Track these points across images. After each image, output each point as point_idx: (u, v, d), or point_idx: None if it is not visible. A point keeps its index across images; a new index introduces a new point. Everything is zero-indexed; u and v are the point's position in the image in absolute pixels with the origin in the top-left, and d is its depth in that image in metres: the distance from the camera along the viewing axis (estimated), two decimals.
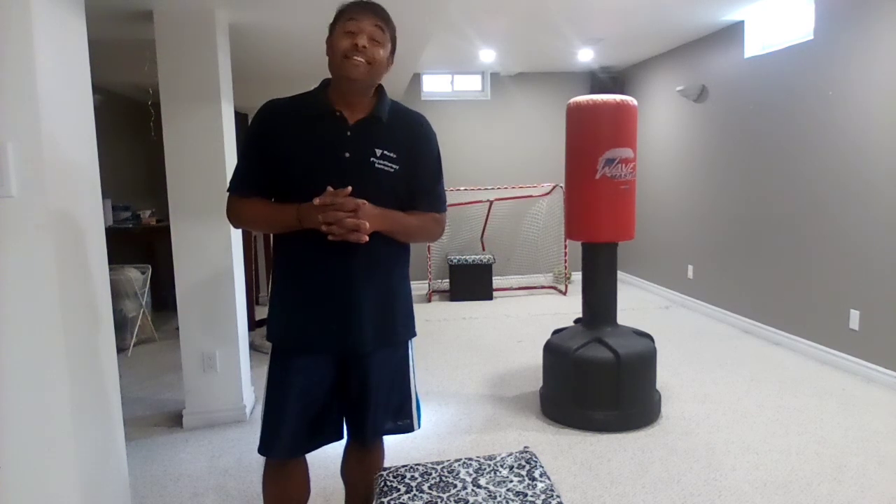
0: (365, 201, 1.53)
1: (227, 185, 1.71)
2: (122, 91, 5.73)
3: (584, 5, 4.35)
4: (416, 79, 6.82)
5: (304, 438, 1.72)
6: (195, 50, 3.12)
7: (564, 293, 6.65)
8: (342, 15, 1.60)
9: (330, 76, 1.66)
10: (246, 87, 4.75)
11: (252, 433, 3.16)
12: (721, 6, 4.50)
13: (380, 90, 1.69)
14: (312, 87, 1.71)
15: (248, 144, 1.70)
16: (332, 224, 1.50)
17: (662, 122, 6.24)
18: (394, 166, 1.64)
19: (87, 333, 1.71)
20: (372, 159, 1.61)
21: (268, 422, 1.71)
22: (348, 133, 1.62)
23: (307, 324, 1.67)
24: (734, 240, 5.09)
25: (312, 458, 1.82)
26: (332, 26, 1.62)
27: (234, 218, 1.72)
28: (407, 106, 1.77)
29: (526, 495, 1.61)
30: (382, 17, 1.61)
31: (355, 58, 1.55)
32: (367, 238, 1.53)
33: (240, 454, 2.97)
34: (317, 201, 1.51)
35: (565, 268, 6.89)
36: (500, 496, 1.61)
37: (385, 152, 1.63)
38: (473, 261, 6.46)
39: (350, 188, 1.51)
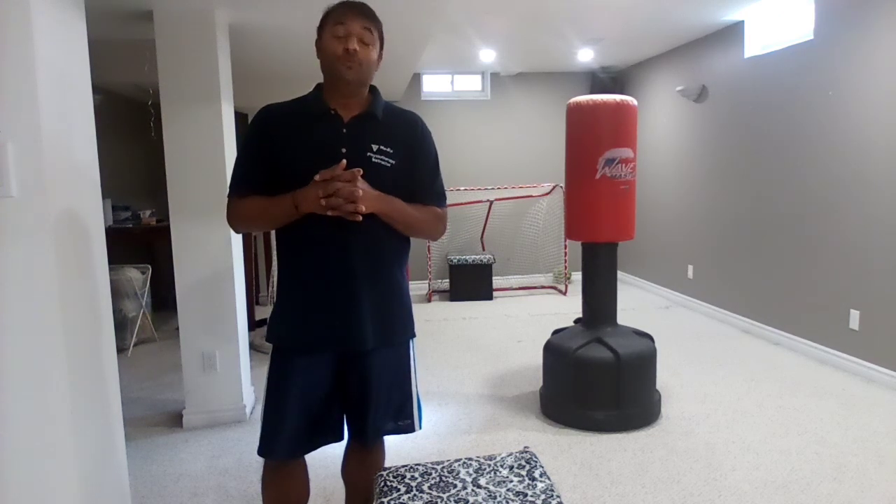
0: (360, 170, 1.54)
1: (227, 189, 1.72)
2: (122, 91, 5.72)
3: (584, 5, 4.35)
4: (416, 79, 6.82)
5: (305, 439, 1.72)
6: (195, 50, 3.12)
7: (564, 293, 6.64)
8: (329, 17, 1.62)
9: (323, 79, 1.69)
10: (246, 87, 4.74)
11: (252, 433, 3.16)
12: (721, 6, 4.49)
13: (373, 90, 1.71)
14: (310, 90, 1.73)
15: (245, 148, 1.72)
16: (330, 196, 1.51)
17: (662, 122, 6.24)
18: (391, 161, 1.65)
19: (87, 333, 1.71)
20: (368, 154, 1.63)
21: (268, 422, 1.71)
22: (344, 130, 1.64)
23: (307, 322, 1.67)
24: (734, 240, 5.09)
25: (312, 458, 1.82)
26: (320, 29, 1.64)
27: (234, 219, 1.72)
28: (404, 107, 1.80)
29: (526, 495, 1.61)
30: (369, 18, 1.63)
31: (347, 62, 1.58)
32: (363, 209, 1.53)
33: (240, 454, 2.97)
34: (318, 177, 1.53)
35: (565, 268, 6.89)
36: (500, 496, 1.61)
37: (381, 147, 1.65)
38: (473, 261, 6.46)
39: (345, 161, 1.53)
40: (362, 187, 1.54)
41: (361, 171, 1.54)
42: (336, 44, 1.59)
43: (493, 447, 2.98)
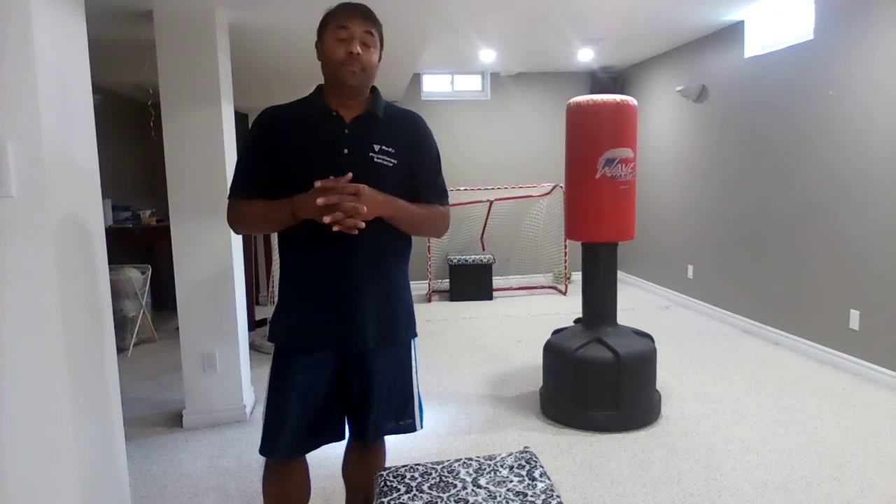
0: (365, 186, 1.54)
1: (228, 190, 1.72)
2: (122, 91, 5.72)
3: (584, 5, 4.35)
4: (416, 79, 6.82)
5: (306, 438, 1.72)
6: (195, 50, 3.12)
7: (564, 293, 6.64)
8: (331, 20, 1.62)
9: (323, 80, 1.70)
10: (246, 87, 4.75)
11: (252, 433, 3.16)
12: (721, 6, 4.49)
13: (374, 90, 1.72)
14: (310, 90, 1.74)
15: (247, 149, 1.72)
16: (331, 207, 1.51)
17: (662, 122, 6.24)
18: (392, 161, 1.66)
19: (87, 333, 1.71)
20: (370, 154, 1.64)
21: (269, 422, 1.71)
22: (346, 130, 1.64)
23: (308, 322, 1.67)
24: (734, 240, 5.09)
25: (313, 458, 1.82)
26: (321, 32, 1.65)
27: (234, 221, 1.73)
28: (404, 107, 1.80)
29: (526, 495, 1.61)
30: (371, 20, 1.63)
31: (351, 66, 1.58)
32: (363, 224, 1.53)
33: (240, 454, 2.97)
34: (318, 184, 1.52)
35: (565, 268, 6.89)
36: (500, 496, 1.61)
37: (383, 147, 1.65)
38: (473, 261, 6.46)
39: (351, 174, 1.53)
40: (366, 194, 1.54)
41: (365, 186, 1.53)
42: (339, 47, 1.59)
43: (493, 447, 2.98)
